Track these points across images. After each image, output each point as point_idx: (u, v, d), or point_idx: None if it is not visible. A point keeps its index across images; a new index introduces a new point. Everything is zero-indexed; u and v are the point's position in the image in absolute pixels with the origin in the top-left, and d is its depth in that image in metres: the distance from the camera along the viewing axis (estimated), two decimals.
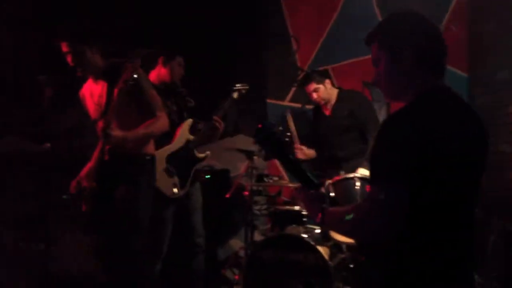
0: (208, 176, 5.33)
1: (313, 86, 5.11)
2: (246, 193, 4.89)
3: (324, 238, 4.45)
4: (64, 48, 3.75)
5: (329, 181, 4.39)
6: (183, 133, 4.57)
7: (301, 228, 4.53)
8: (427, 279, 1.89)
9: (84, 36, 3.76)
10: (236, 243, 5.70)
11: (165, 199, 4.33)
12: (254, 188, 4.93)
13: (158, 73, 4.61)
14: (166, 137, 4.29)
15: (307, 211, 2.30)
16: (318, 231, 4.59)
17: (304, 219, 4.58)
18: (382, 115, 5.54)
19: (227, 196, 4.95)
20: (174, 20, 5.72)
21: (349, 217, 1.99)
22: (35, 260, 4.38)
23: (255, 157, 4.88)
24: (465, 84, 5.73)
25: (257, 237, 4.95)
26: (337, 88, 5.28)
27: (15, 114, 5.02)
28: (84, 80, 4.02)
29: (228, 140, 5.38)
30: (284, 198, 5.39)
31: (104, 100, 3.77)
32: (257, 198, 5.11)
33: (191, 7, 5.84)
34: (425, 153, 1.82)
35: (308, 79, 5.18)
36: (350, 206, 2.09)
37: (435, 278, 1.89)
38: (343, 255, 4.45)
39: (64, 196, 4.32)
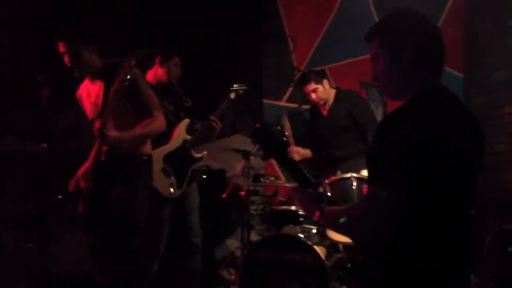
0: (205, 176, 5.33)
1: (312, 86, 5.08)
2: (243, 193, 4.89)
3: (321, 238, 4.45)
4: (61, 48, 3.75)
5: (326, 181, 4.39)
6: (180, 133, 4.57)
7: (297, 228, 4.52)
8: (425, 279, 1.89)
9: (81, 36, 3.75)
10: (233, 243, 5.70)
11: (162, 199, 4.33)
12: (251, 188, 4.92)
13: (155, 73, 4.61)
14: (163, 137, 4.29)
15: (304, 211, 2.29)
16: (314, 231, 4.59)
17: (301, 219, 4.57)
18: (378, 115, 5.55)
19: (224, 196, 4.94)
20: (171, 20, 5.73)
21: (343, 220, 2.00)
22: (33, 260, 4.37)
23: (251, 157, 4.89)
24: (461, 84, 5.74)
25: (254, 237, 4.94)
26: (334, 88, 5.26)
27: (13, 114, 5.01)
28: (81, 80, 4.02)
29: (224, 140, 5.39)
30: (280, 198, 5.40)
31: (101, 100, 3.77)
32: (253, 198, 5.11)
33: (188, 7, 5.85)
34: (424, 153, 1.82)
35: (306, 79, 5.15)
36: (348, 205, 2.09)
37: (433, 278, 1.89)
38: (340, 255, 4.43)
39: (59, 196, 4.32)
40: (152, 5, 5.74)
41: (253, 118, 6.02)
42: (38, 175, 4.35)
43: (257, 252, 4.34)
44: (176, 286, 4.83)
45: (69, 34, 3.73)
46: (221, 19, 5.95)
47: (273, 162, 5.97)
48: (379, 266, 1.98)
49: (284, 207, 4.81)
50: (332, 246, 4.49)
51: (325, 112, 5.22)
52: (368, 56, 2.15)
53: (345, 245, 4.34)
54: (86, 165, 3.91)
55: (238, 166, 5.26)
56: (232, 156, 5.38)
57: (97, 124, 3.67)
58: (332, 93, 5.18)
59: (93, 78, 3.91)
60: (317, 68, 5.91)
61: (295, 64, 6.30)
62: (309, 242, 4.21)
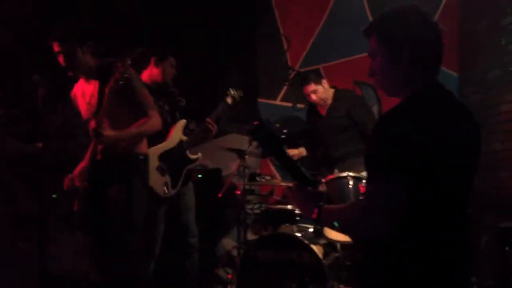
0: (201, 176, 5.32)
1: (312, 87, 5.05)
2: (239, 192, 4.89)
3: (318, 237, 4.44)
4: (56, 48, 3.74)
5: (322, 180, 4.39)
6: (177, 133, 4.57)
7: (294, 227, 4.53)
8: (425, 279, 1.88)
9: (75, 36, 3.74)
10: (229, 243, 5.69)
11: (157, 199, 4.32)
12: (247, 187, 4.92)
13: (150, 73, 4.60)
14: (159, 137, 4.29)
15: (301, 209, 2.28)
16: (311, 230, 4.59)
17: (297, 218, 4.57)
18: (373, 114, 5.54)
19: (220, 195, 4.95)
20: (166, 20, 5.73)
21: (336, 224, 2.00)
22: (31, 259, 4.35)
23: (246, 156, 4.89)
24: (455, 83, 5.75)
25: (250, 236, 4.94)
26: (332, 87, 5.24)
27: (10, 114, 4.99)
28: (75, 80, 4.00)
29: (220, 140, 5.38)
30: (276, 197, 5.40)
31: (95, 100, 3.76)
32: (249, 197, 5.10)
33: (182, 8, 5.84)
34: (423, 151, 1.81)
35: (305, 80, 5.11)
36: (346, 204, 2.09)
37: (432, 278, 1.88)
38: (337, 254, 4.44)
39: (54, 195, 4.30)
40: (147, 5, 5.73)
41: (248, 117, 6.00)
42: (35, 174, 4.33)
43: (254, 251, 4.33)
44: (173, 286, 4.82)
45: (63, 34, 3.72)
46: (216, 20, 5.94)
47: (269, 161, 5.98)
48: (378, 265, 1.97)
49: (280, 206, 4.82)
50: (329, 245, 4.49)
51: (323, 112, 5.20)
52: (362, 55, 2.16)
53: (342, 244, 4.35)
54: (82, 164, 3.89)
55: (233, 165, 5.26)
56: (228, 156, 5.38)
57: (92, 124, 3.66)
58: (330, 93, 5.17)
59: (88, 78, 3.90)
60: (312, 68, 5.93)
61: (290, 63, 6.30)
62: (306, 241, 4.21)
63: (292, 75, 6.23)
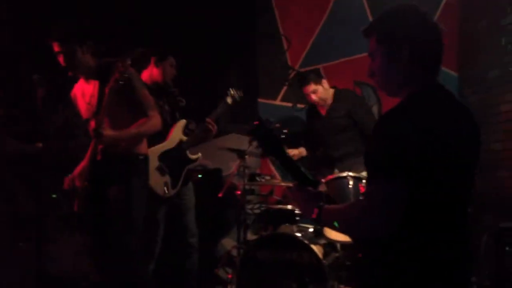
0: (201, 176, 5.32)
1: (312, 87, 5.05)
2: (239, 192, 4.89)
3: (318, 237, 4.45)
4: (56, 48, 3.74)
5: (322, 180, 4.39)
6: (177, 133, 4.57)
7: (294, 227, 4.53)
8: (423, 279, 1.88)
9: (74, 36, 3.74)
10: (229, 243, 5.69)
11: (157, 199, 4.32)
12: (247, 187, 4.92)
13: (150, 73, 4.61)
14: (159, 137, 4.29)
15: (301, 209, 2.28)
16: (311, 229, 4.60)
17: (297, 218, 4.58)
18: (374, 114, 5.54)
19: (220, 195, 4.94)
20: (165, 20, 5.72)
21: (336, 224, 2.01)
22: (31, 260, 4.35)
23: (246, 156, 4.89)
24: (454, 83, 5.75)
25: (250, 236, 4.94)
26: (332, 87, 5.23)
27: (10, 114, 5.00)
28: (75, 80, 4.00)
29: (220, 140, 5.38)
30: (276, 197, 5.40)
31: (95, 100, 3.76)
32: (249, 197, 5.10)
33: (182, 8, 5.83)
34: (423, 151, 1.81)
35: (305, 80, 5.10)
36: (346, 204, 2.09)
37: (431, 278, 1.88)
38: (337, 254, 4.44)
39: (54, 195, 4.30)
40: (147, 5, 5.73)
41: (248, 117, 6.00)
42: (35, 174, 4.33)
43: (254, 251, 4.33)
44: (173, 286, 4.82)
45: (62, 34, 3.72)
46: (216, 20, 5.93)
47: (269, 161, 5.97)
48: (378, 265, 1.97)
49: (280, 206, 4.82)
50: (329, 245, 4.50)
51: (323, 112, 5.20)
52: (362, 55, 2.16)
53: (342, 244, 4.35)
54: (82, 164, 3.90)
55: (233, 165, 5.26)
56: (228, 156, 5.38)
57: (92, 124, 3.66)
58: (331, 92, 5.16)
59: (88, 78, 3.90)
60: (312, 67, 5.92)
61: (290, 63, 6.29)
62: (306, 241, 4.22)
63: (292, 75, 6.22)
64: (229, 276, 4.90)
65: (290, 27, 6.32)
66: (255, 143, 4.66)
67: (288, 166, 2.24)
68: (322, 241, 4.43)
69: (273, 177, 5.39)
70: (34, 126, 4.31)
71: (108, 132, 3.59)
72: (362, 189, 4.27)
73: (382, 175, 1.85)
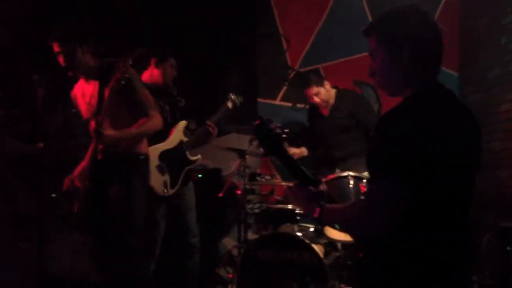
0: (201, 176, 5.33)
1: (314, 90, 5.04)
2: (239, 192, 4.89)
3: (319, 236, 4.45)
4: (56, 48, 3.74)
5: (323, 179, 4.38)
6: (177, 133, 4.58)
7: (295, 227, 4.52)
8: (424, 280, 1.88)
9: (74, 36, 3.74)
10: (230, 242, 5.69)
11: (156, 198, 4.32)
12: (247, 187, 4.93)
13: (151, 74, 4.61)
14: (159, 137, 4.29)
15: (302, 208, 2.28)
16: (312, 229, 4.60)
17: (298, 218, 4.57)
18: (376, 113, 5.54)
19: (220, 195, 4.95)
20: (165, 20, 5.71)
21: (337, 226, 2.02)
22: (31, 259, 4.35)
23: (247, 156, 4.89)
24: (455, 82, 5.76)
25: (251, 236, 4.94)
26: (333, 87, 5.22)
27: (10, 114, 5.00)
28: (75, 80, 4.00)
29: (220, 139, 5.38)
30: (277, 197, 5.40)
31: (96, 100, 3.76)
32: (250, 197, 5.10)
33: (182, 8, 5.83)
34: (424, 150, 1.81)
35: (307, 82, 5.08)
36: (347, 203, 2.09)
37: (432, 279, 1.88)
38: (338, 253, 4.44)
39: (53, 195, 4.30)
40: (147, 5, 5.73)
41: (248, 117, 6.01)
42: (35, 174, 4.33)
43: (255, 250, 4.34)
44: (174, 286, 4.82)
45: (62, 34, 3.72)
46: (216, 20, 5.93)
47: (269, 160, 5.97)
48: (378, 265, 1.97)
49: (280, 205, 4.81)
50: (330, 244, 4.50)
51: (325, 112, 5.19)
52: (362, 55, 2.16)
53: (343, 243, 4.35)
54: (83, 164, 3.90)
55: (233, 165, 5.26)
56: (228, 155, 5.39)
57: (93, 124, 3.66)
58: (332, 93, 5.15)
59: (88, 78, 3.90)
60: (311, 67, 5.93)
61: (289, 63, 6.29)
62: (307, 241, 4.22)
63: (292, 75, 6.22)
64: (230, 275, 4.91)
65: (290, 27, 6.32)
66: (255, 143, 4.70)
67: (289, 166, 2.24)
68: (323, 241, 4.42)
69: (273, 176, 5.39)
70: (34, 126, 4.31)
71: (109, 132, 3.59)
72: (363, 189, 4.27)
73: (383, 175, 1.85)
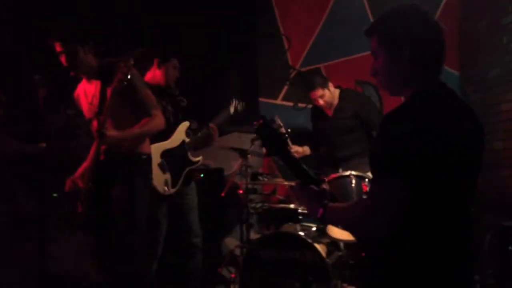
0: (203, 175, 5.33)
1: (319, 92, 5.01)
2: (241, 191, 4.89)
3: (321, 236, 4.45)
4: (58, 48, 3.73)
5: (325, 179, 4.37)
6: (180, 134, 4.58)
7: (297, 226, 4.53)
8: (426, 279, 1.88)
9: (76, 36, 3.73)
10: (232, 242, 5.69)
11: (156, 196, 4.31)
12: (249, 186, 4.93)
13: (153, 75, 4.61)
14: (162, 137, 4.30)
15: (306, 207, 2.29)
16: (314, 228, 4.60)
17: (300, 217, 4.58)
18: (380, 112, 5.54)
19: (222, 194, 4.95)
20: (165, 20, 5.72)
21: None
22: (31, 259, 4.35)
23: (249, 156, 4.89)
24: (456, 82, 5.77)
25: (253, 235, 4.94)
26: (337, 87, 5.21)
27: (10, 114, 4.99)
28: (78, 80, 4.00)
29: (221, 139, 5.38)
30: (279, 196, 5.40)
31: (97, 100, 3.75)
32: (252, 196, 5.10)
33: (182, 8, 5.84)
34: (426, 150, 1.81)
35: (312, 85, 5.05)
36: (350, 203, 2.09)
37: (433, 278, 1.88)
38: (340, 253, 4.45)
39: (55, 194, 4.30)
40: (147, 5, 5.73)
41: (249, 117, 6.01)
42: (37, 174, 4.33)
43: (257, 250, 4.34)
44: (176, 286, 4.82)
45: (64, 34, 3.71)
46: (216, 20, 5.94)
47: (271, 160, 5.97)
48: (380, 265, 1.97)
49: (282, 205, 4.82)
50: (333, 244, 4.50)
51: (329, 113, 5.18)
52: (362, 54, 2.16)
53: (345, 242, 4.35)
54: (85, 165, 3.89)
55: (235, 164, 5.26)
56: (230, 155, 5.39)
57: (95, 124, 3.66)
58: (336, 93, 5.15)
59: (89, 78, 3.89)
60: (312, 67, 5.93)
61: (290, 63, 6.30)
62: (309, 240, 4.22)
63: (293, 75, 6.23)
64: (232, 275, 4.91)
65: (291, 27, 6.33)
66: (257, 142, 4.70)
67: (292, 166, 2.24)
68: (326, 240, 4.43)
69: (275, 176, 5.39)
70: (36, 126, 4.31)
71: (111, 132, 3.58)
72: (365, 188, 4.28)
73: (385, 175, 1.86)
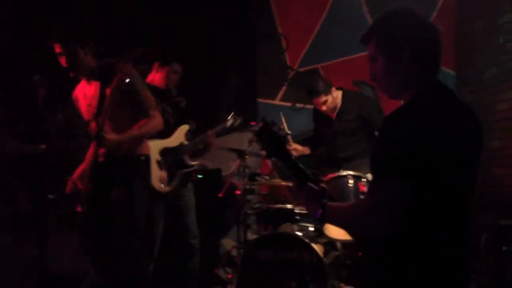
0: (200, 176, 5.33)
1: (322, 98, 4.94)
2: (239, 192, 4.89)
3: (318, 236, 4.45)
4: (57, 49, 3.72)
5: (323, 179, 4.39)
6: (179, 135, 4.58)
7: (294, 226, 4.52)
8: (425, 279, 1.90)
9: (75, 36, 3.73)
10: (229, 242, 5.70)
11: (154, 195, 4.30)
12: (247, 187, 4.93)
13: (153, 79, 4.61)
14: (161, 137, 4.30)
15: (305, 207, 2.30)
16: (311, 228, 4.60)
17: (297, 217, 4.58)
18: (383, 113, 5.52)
19: (220, 195, 4.95)
20: (165, 20, 5.72)
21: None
22: (31, 259, 4.36)
23: (246, 156, 4.90)
24: (452, 82, 5.78)
25: (250, 236, 4.95)
26: (338, 88, 5.15)
27: (10, 114, 5.00)
28: (77, 80, 4.00)
29: (219, 140, 5.39)
30: (276, 196, 5.40)
31: (97, 101, 3.75)
32: (249, 197, 5.11)
33: (182, 8, 5.84)
34: (426, 151, 1.83)
35: (315, 92, 4.96)
36: (350, 203, 2.11)
37: (433, 278, 1.90)
38: (337, 252, 4.45)
39: (51, 195, 4.30)
40: (147, 5, 5.73)
41: (247, 117, 6.02)
42: (36, 175, 4.34)
43: (254, 251, 4.33)
44: (174, 287, 4.82)
45: (63, 35, 3.70)
46: (216, 20, 5.94)
47: (269, 161, 5.98)
48: (379, 265, 1.99)
49: (280, 205, 4.81)
50: (330, 243, 4.49)
51: (333, 116, 5.12)
52: (361, 54, 2.17)
53: (342, 242, 4.35)
54: (83, 166, 3.90)
55: (233, 165, 5.27)
56: (228, 156, 5.39)
57: (93, 125, 3.66)
58: (339, 95, 5.09)
59: (89, 79, 3.88)
60: (311, 67, 5.94)
61: (289, 63, 6.32)
62: (306, 240, 4.22)
63: (291, 75, 6.24)
64: (229, 276, 4.91)
65: (289, 27, 6.34)
66: (255, 143, 4.70)
67: (290, 167, 2.25)
68: (323, 240, 4.42)
69: (273, 176, 5.40)
70: (35, 126, 4.31)
71: (110, 136, 3.55)
72: (362, 188, 4.29)
73: (385, 176, 1.87)
